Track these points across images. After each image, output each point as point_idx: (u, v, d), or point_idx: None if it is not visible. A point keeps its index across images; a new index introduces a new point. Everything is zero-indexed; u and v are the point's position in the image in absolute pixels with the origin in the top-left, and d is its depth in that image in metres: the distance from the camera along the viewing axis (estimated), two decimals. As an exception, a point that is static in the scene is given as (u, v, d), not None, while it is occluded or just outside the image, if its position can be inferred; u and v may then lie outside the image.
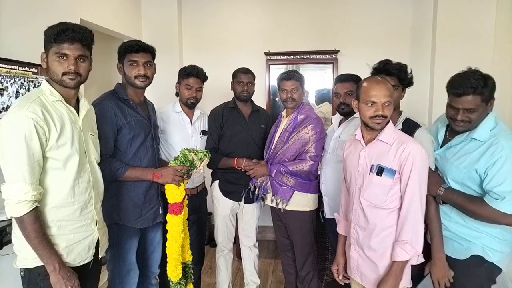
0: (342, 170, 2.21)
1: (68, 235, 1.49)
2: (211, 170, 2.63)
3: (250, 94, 2.56)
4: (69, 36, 1.43)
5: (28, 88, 2.12)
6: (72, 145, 1.47)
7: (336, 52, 3.76)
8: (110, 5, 3.28)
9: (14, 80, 2.01)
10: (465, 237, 1.67)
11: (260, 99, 3.75)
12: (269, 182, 2.40)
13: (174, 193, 1.98)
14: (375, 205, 1.61)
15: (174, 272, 2.05)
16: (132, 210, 1.95)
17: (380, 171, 1.58)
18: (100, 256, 1.67)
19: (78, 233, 1.52)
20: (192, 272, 2.21)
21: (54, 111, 1.44)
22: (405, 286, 1.60)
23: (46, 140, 1.39)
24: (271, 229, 3.86)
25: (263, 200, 2.50)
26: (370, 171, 1.62)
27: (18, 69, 2.01)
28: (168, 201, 2.00)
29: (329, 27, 3.82)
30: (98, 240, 1.63)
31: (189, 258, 2.19)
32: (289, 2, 3.87)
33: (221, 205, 2.58)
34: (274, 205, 2.40)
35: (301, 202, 2.36)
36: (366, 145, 1.67)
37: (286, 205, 2.35)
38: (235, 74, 2.57)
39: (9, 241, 1.97)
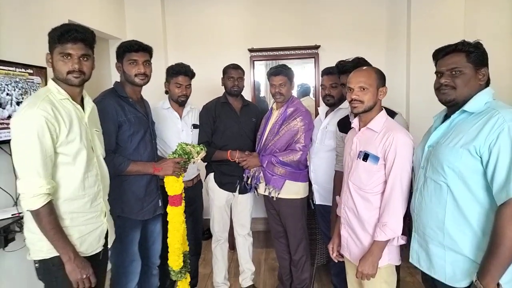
0: (334, 158, 2.36)
1: (80, 226, 1.56)
2: (206, 163, 2.73)
3: (240, 89, 2.67)
4: (72, 36, 1.49)
5: (25, 90, 2.16)
6: (81, 141, 1.53)
7: (317, 47, 3.91)
8: (95, 6, 3.32)
9: (11, 81, 2.05)
10: None
11: (245, 94, 3.82)
12: (261, 172, 2.51)
13: (174, 186, 2.07)
14: (360, 188, 1.73)
15: (176, 262, 2.15)
16: (134, 203, 2.03)
17: (365, 157, 1.70)
18: (109, 246, 1.75)
19: (89, 224, 1.59)
20: (189, 261, 2.31)
21: (62, 109, 1.50)
22: (391, 263, 1.73)
23: (56, 137, 1.45)
24: (261, 220, 4.00)
25: (256, 189, 2.61)
26: (358, 157, 1.75)
27: (15, 71, 2.05)
28: (168, 193, 2.09)
29: (310, 23, 3.96)
30: (107, 230, 1.70)
31: (186, 248, 2.28)
32: (271, 0, 3.98)
33: (216, 196, 2.67)
34: (267, 194, 2.52)
35: (293, 190, 2.48)
36: (358, 132, 1.80)
37: (278, 194, 2.47)
38: (226, 70, 2.67)
39: (13, 238, 2.02)
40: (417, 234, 1.55)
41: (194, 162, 2.18)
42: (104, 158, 1.76)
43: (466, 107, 1.39)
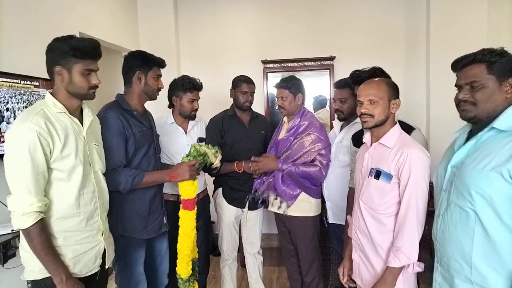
0: (348, 175, 2.23)
1: (75, 245, 1.49)
2: (213, 178, 2.63)
3: (251, 104, 2.59)
4: (95, 53, 1.53)
5: (30, 102, 2.13)
6: (76, 156, 1.48)
7: (332, 58, 3.80)
8: (107, 17, 3.32)
9: (15, 93, 2.02)
10: None
11: (258, 106, 3.77)
12: (272, 189, 2.37)
13: (189, 189, 1.99)
14: (372, 208, 1.60)
15: (185, 269, 2.05)
16: (138, 221, 1.93)
17: (377, 174, 1.57)
18: (106, 267, 1.67)
19: (85, 243, 1.52)
20: (197, 269, 2.21)
21: (58, 123, 1.45)
22: None
23: (50, 152, 1.40)
24: (275, 237, 3.86)
25: (265, 203, 2.48)
26: (369, 174, 1.62)
27: (20, 83, 2.03)
28: (182, 197, 2.00)
29: (325, 34, 3.86)
30: (104, 250, 1.62)
31: (196, 255, 2.18)
32: (284, 10, 3.92)
33: (225, 212, 2.57)
34: (276, 209, 2.39)
35: (305, 207, 2.35)
36: (370, 147, 1.68)
37: (288, 207, 2.32)
38: (238, 84, 2.55)
39: (14, 254, 1.97)
40: (440, 265, 1.39)
41: (214, 166, 2.09)
42: (117, 174, 1.74)
43: (496, 124, 1.21)
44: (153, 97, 2.03)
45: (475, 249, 1.22)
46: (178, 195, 2.33)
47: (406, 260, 1.49)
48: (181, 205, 2.03)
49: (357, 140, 2.12)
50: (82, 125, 1.57)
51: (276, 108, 2.47)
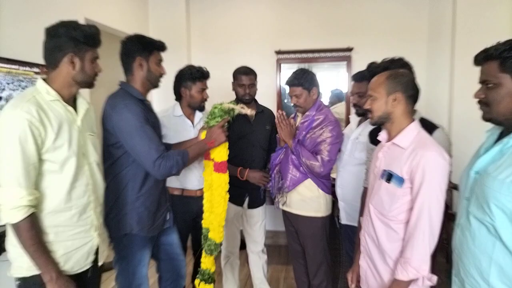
0: (363, 173, 2.10)
1: (66, 241, 1.41)
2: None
3: (252, 96, 2.45)
4: (100, 40, 1.51)
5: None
6: (70, 147, 1.39)
7: (349, 49, 3.65)
8: (116, 4, 3.23)
9: (13, 80, 1.95)
10: None
11: (269, 99, 3.65)
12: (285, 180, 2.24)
13: (221, 151, 1.93)
14: (382, 213, 1.47)
15: (220, 233, 1.99)
16: (147, 217, 1.81)
17: (389, 177, 1.44)
18: (100, 264, 1.58)
19: (77, 239, 1.44)
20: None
21: (51, 111, 1.36)
22: None
23: (42, 142, 1.31)
24: (283, 234, 3.75)
25: (273, 199, 2.36)
26: (381, 176, 1.49)
27: (18, 69, 1.95)
28: (215, 160, 1.94)
29: (342, 24, 3.70)
30: (98, 246, 1.54)
31: None
32: (300, -1, 3.76)
33: (224, 209, 2.48)
34: (281, 206, 2.28)
35: (313, 207, 2.23)
36: (384, 146, 1.54)
37: (287, 191, 2.21)
38: (236, 76, 2.44)
39: (7, 247, 1.90)
40: (457, 278, 1.26)
41: (249, 114, 1.99)
42: (166, 160, 1.65)
43: None
44: (156, 85, 1.88)
45: (493, 267, 1.09)
46: (183, 189, 2.31)
47: (415, 274, 1.34)
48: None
49: (374, 137, 1.98)
50: (77, 113, 1.48)
51: (292, 105, 2.33)
